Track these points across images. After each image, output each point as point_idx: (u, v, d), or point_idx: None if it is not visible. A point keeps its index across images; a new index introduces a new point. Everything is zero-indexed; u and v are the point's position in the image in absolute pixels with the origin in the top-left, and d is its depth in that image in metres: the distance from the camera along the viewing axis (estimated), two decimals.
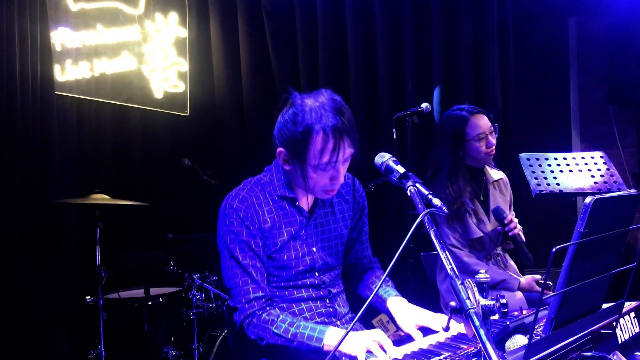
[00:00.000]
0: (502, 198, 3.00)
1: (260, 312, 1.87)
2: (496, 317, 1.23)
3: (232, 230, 1.90)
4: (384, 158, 1.84)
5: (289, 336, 1.81)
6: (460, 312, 1.22)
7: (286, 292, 2.01)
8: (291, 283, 2.00)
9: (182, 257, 3.70)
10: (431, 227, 1.50)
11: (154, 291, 3.66)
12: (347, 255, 2.21)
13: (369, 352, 1.68)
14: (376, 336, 1.71)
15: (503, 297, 1.25)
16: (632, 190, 1.48)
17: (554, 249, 1.32)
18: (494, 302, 1.22)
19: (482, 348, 1.15)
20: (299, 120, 1.83)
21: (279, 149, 1.92)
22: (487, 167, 3.05)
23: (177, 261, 3.70)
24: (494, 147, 2.88)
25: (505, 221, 2.80)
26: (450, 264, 1.35)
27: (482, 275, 1.24)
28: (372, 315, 3.70)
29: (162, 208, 4.35)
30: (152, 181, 4.47)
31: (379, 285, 1.60)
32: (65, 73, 4.01)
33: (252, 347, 1.94)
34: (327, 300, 2.05)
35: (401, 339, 1.93)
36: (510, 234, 2.80)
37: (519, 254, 2.80)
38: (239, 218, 1.89)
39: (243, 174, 4.31)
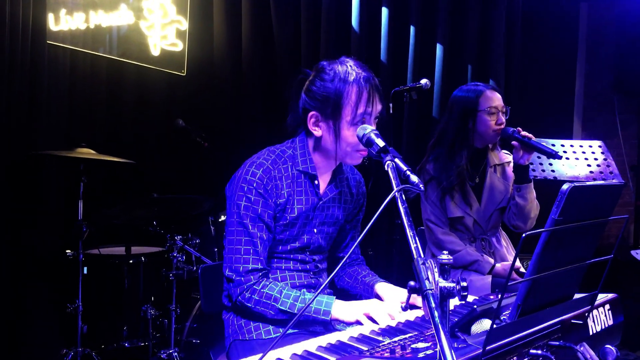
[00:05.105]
0: (500, 182, 2.90)
1: (258, 287, 1.86)
2: (456, 299, 1.18)
3: (249, 197, 1.88)
4: (366, 130, 1.81)
5: (296, 311, 1.82)
6: (418, 292, 1.18)
7: (275, 260, 2.02)
8: (283, 255, 2.00)
9: (166, 218, 3.66)
10: (403, 204, 1.45)
11: (135, 250, 3.64)
12: (341, 251, 2.24)
13: (370, 318, 1.73)
14: (375, 305, 1.78)
15: (464, 280, 1.20)
16: (614, 181, 1.42)
17: (523, 235, 1.27)
18: (454, 284, 1.17)
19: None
20: (332, 78, 1.88)
21: (310, 113, 1.92)
22: (494, 152, 2.96)
23: (160, 221, 3.66)
24: (503, 126, 2.79)
25: (509, 131, 2.72)
26: (415, 243, 1.30)
27: (445, 257, 1.19)
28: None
29: (151, 167, 4.30)
30: (143, 139, 4.41)
31: (340, 263, 1.55)
32: (59, 23, 3.91)
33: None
34: (312, 274, 2.07)
35: None
36: (521, 135, 2.69)
37: (543, 154, 2.67)
38: (259, 187, 1.88)
39: (237, 138, 4.27)
